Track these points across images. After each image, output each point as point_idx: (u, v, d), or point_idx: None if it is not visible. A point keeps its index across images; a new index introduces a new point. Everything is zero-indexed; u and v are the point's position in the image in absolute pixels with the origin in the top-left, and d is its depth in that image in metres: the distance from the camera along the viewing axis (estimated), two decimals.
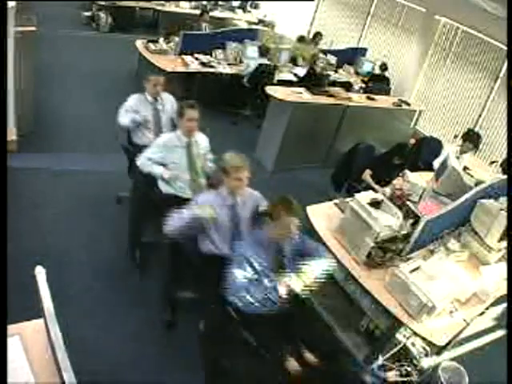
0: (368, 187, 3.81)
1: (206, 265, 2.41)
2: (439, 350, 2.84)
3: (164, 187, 2.90)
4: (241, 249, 2.22)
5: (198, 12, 7.93)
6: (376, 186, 3.85)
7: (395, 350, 3.06)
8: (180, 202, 2.53)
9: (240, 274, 2.13)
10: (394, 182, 3.86)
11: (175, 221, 2.33)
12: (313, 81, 5.64)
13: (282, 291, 2.20)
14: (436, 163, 4.63)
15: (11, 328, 1.49)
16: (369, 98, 5.80)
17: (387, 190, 3.56)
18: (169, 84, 3.05)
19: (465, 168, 4.43)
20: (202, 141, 3.05)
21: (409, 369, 2.91)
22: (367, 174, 4.01)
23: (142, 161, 2.87)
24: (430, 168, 4.60)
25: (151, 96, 3.26)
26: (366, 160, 4.23)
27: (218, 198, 2.48)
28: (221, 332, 2.21)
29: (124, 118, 3.21)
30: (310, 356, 2.13)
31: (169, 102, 3.39)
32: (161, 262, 2.91)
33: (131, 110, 3.24)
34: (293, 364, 2.06)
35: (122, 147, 3.33)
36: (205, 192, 2.61)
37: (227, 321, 2.18)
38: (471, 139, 4.69)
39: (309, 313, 2.38)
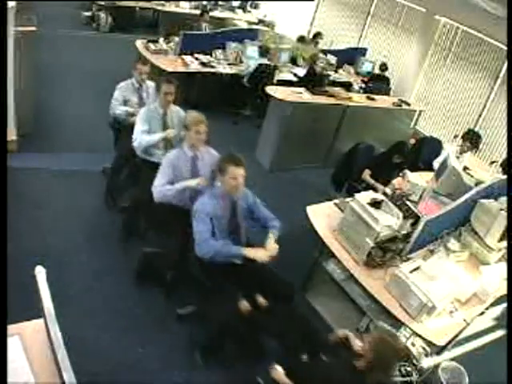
0: (368, 187, 3.81)
1: (169, 217, 2.73)
2: (439, 350, 2.84)
3: (143, 155, 3.25)
4: (200, 205, 2.44)
5: (198, 12, 7.93)
6: (377, 185, 3.85)
7: None
8: (157, 167, 2.85)
9: (200, 228, 2.36)
10: (394, 181, 3.87)
11: (165, 191, 2.68)
12: (313, 81, 5.64)
13: (238, 245, 2.46)
14: (436, 163, 4.63)
15: (11, 328, 1.49)
16: (369, 98, 5.80)
17: (387, 190, 3.56)
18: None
19: (465, 168, 4.43)
20: (176, 112, 3.32)
21: (409, 369, 2.91)
22: (367, 174, 4.02)
23: (137, 137, 3.14)
24: (430, 168, 4.60)
25: (137, 83, 3.58)
26: (365, 160, 4.23)
27: (180, 152, 2.85)
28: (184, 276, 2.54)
29: (118, 111, 3.52)
30: (261, 299, 2.39)
31: (151, 88, 3.71)
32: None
33: (122, 100, 3.53)
34: (245, 305, 2.31)
35: (110, 125, 3.77)
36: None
37: (189, 267, 2.50)
38: (471, 139, 4.69)
39: (262, 264, 2.53)
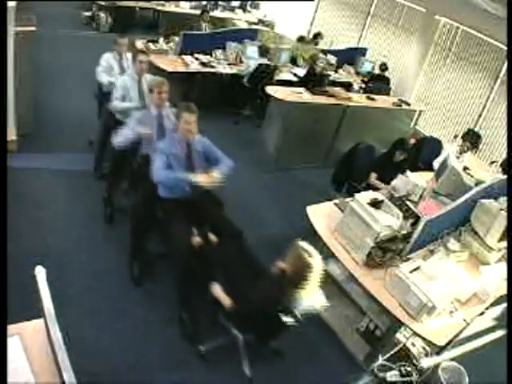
0: (369, 187, 3.81)
1: (140, 164, 3.21)
2: (439, 350, 2.84)
3: (120, 116, 3.64)
4: (161, 145, 2.86)
5: (198, 12, 7.93)
6: (384, 186, 3.83)
7: (395, 349, 3.06)
8: None
9: (160, 163, 2.76)
10: (394, 182, 3.87)
11: (123, 136, 3.14)
12: (313, 81, 5.64)
13: (192, 181, 2.79)
14: (436, 163, 4.63)
15: (11, 328, 1.49)
16: (369, 97, 5.79)
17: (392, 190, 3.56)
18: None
19: (465, 168, 4.43)
20: (150, 79, 3.66)
21: (409, 369, 2.91)
22: (373, 177, 3.97)
23: (113, 101, 3.59)
24: (430, 168, 4.61)
25: (118, 54, 4.06)
26: (366, 160, 4.23)
27: (147, 112, 3.26)
28: (144, 212, 3.03)
29: (103, 78, 3.94)
30: (212, 236, 2.79)
31: (129, 59, 4.12)
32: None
33: (106, 68, 3.99)
34: (196, 240, 2.69)
35: (95, 95, 4.20)
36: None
37: (150, 204, 2.94)
38: (471, 139, 4.70)
39: (214, 202, 2.99)
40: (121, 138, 3.14)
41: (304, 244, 2.33)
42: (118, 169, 3.57)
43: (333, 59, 7.28)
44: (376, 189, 3.66)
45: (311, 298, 2.33)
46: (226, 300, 2.35)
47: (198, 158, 2.94)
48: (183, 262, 2.64)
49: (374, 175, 3.99)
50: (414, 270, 2.66)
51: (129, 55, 4.06)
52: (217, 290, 2.39)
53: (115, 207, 3.64)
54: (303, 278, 2.20)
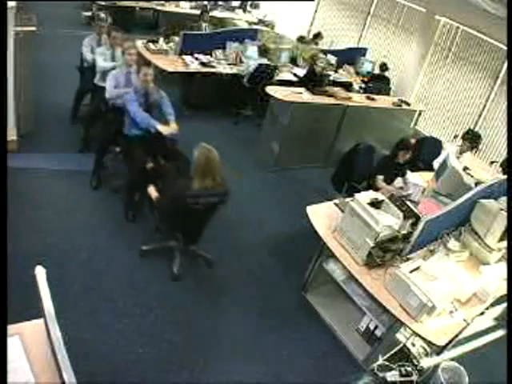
0: (370, 188, 3.80)
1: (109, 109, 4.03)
2: (439, 350, 2.84)
3: (100, 83, 4.40)
4: (130, 95, 3.58)
5: (198, 12, 7.93)
6: (391, 188, 3.81)
7: (395, 350, 3.06)
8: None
9: (136, 108, 3.50)
10: (394, 182, 3.87)
11: (111, 92, 3.90)
12: (313, 81, 5.64)
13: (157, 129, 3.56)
14: (436, 163, 4.63)
15: (11, 328, 1.49)
16: (369, 98, 5.79)
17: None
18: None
19: (465, 168, 4.43)
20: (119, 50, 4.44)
21: (409, 369, 2.91)
22: (380, 180, 3.93)
23: (97, 62, 4.38)
24: (430, 168, 4.60)
25: (97, 35, 4.71)
26: (366, 160, 4.23)
27: (120, 70, 4.01)
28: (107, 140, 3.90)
29: (87, 55, 4.59)
30: (162, 161, 3.58)
31: (105, 38, 4.73)
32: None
33: (89, 47, 4.62)
34: (149, 164, 3.44)
35: (77, 68, 4.87)
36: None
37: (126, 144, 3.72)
38: (471, 139, 4.69)
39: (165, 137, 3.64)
40: (110, 93, 3.94)
41: (205, 144, 2.94)
42: (93, 114, 4.41)
43: (333, 59, 7.28)
44: (377, 190, 3.66)
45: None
46: (153, 193, 3.11)
47: (153, 104, 3.71)
48: (137, 182, 3.47)
49: (380, 178, 3.94)
50: (414, 270, 2.66)
51: (104, 36, 4.74)
52: (151, 188, 3.14)
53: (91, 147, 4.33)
54: (207, 169, 2.88)
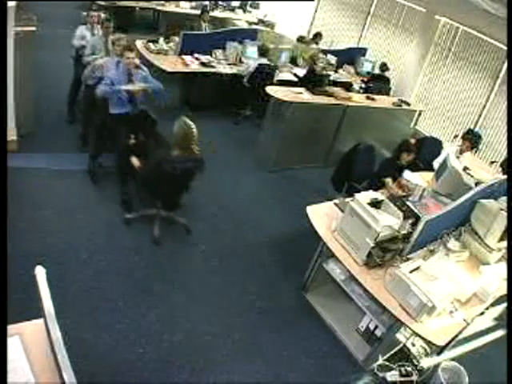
0: (369, 187, 3.80)
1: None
2: (439, 350, 2.84)
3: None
4: (111, 73, 3.85)
5: (198, 12, 7.92)
6: (399, 191, 3.80)
7: (395, 350, 3.06)
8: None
9: (102, 84, 3.79)
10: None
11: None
12: (313, 81, 5.64)
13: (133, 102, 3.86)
14: (436, 163, 4.63)
15: (11, 328, 1.49)
16: (369, 97, 5.79)
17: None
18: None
19: (465, 168, 4.43)
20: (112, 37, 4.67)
21: (409, 369, 2.91)
22: (390, 183, 3.88)
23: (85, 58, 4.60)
24: (430, 168, 4.60)
25: (90, 24, 4.93)
26: (366, 160, 4.23)
27: (110, 58, 4.26)
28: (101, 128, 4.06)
29: (76, 42, 4.86)
30: (142, 137, 3.82)
31: (97, 28, 4.96)
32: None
33: (80, 36, 4.86)
34: (132, 141, 3.72)
35: (72, 57, 4.98)
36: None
37: (105, 120, 3.96)
38: (471, 139, 4.69)
39: (146, 116, 3.97)
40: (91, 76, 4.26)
41: (184, 118, 3.23)
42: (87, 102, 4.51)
43: (333, 59, 7.28)
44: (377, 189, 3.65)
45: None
46: (136, 162, 3.39)
47: (136, 81, 3.94)
48: (122, 155, 3.65)
49: (389, 180, 3.89)
50: (414, 270, 2.66)
51: (97, 25, 4.95)
52: (133, 159, 3.43)
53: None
54: (185, 140, 3.19)
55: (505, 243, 3.19)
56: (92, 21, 4.96)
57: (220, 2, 9.82)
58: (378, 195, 3.03)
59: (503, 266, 3.13)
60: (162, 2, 8.80)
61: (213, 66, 5.84)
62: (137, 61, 4.00)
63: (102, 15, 5.29)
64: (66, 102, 4.94)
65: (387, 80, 7.26)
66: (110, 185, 4.01)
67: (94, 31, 4.92)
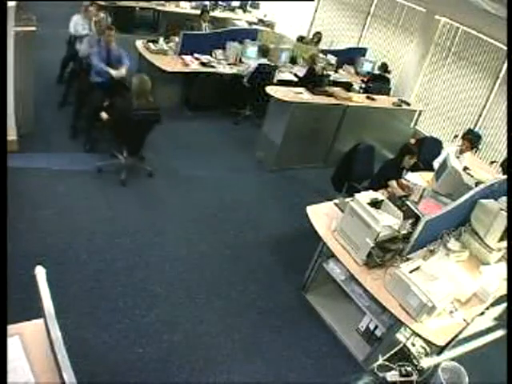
0: (369, 187, 3.80)
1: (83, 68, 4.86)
2: (439, 350, 2.84)
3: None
4: (95, 49, 4.56)
5: (198, 12, 7.92)
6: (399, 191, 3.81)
7: (395, 350, 3.06)
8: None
9: (97, 59, 4.51)
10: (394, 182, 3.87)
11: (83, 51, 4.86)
12: (313, 81, 5.64)
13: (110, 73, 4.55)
14: (436, 163, 4.63)
15: (11, 328, 1.49)
16: (369, 97, 5.79)
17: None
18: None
19: (465, 168, 4.43)
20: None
21: (409, 369, 2.91)
22: (395, 185, 3.88)
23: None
24: (430, 168, 4.61)
25: (84, 15, 5.45)
26: (366, 160, 4.23)
27: (92, 38, 4.88)
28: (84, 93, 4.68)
29: (71, 30, 5.39)
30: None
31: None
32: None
33: (74, 25, 5.39)
34: (106, 103, 4.25)
35: (66, 41, 5.57)
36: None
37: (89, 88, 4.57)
38: (471, 139, 4.69)
39: (123, 86, 4.54)
40: (83, 51, 4.89)
41: (141, 74, 3.96)
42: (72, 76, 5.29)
43: (333, 59, 7.28)
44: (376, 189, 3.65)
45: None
46: (104, 115, 4.03)
47: (113, 57, 4.62)
48: (95, 112, 4.19)
49: (394, 183, 3.87)
50: (414, 270, 2.66)
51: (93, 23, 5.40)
52: (102, 113, 4.05)
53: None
54: (141, 91, 3.85)
55: (505, 243, 3.20)
56: (90, 16, 5.42)
57: (220, 2, 9.82)
58: (378, 195, 3.03)
59: (503, 266, 3.13)
60: (162, 2, 8.80)
61: (213, 66, 5.84)
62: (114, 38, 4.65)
63: (102, 15, 5.67)
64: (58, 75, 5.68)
65: (387, 80, 7.27)
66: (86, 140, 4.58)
67: (91, 27, 5.35)
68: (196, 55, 5.93)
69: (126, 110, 3.81)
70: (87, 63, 4.70)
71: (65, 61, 5.61)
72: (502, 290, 2.94)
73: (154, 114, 3.92)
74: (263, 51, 6.31)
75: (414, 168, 4.22)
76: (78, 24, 5.37)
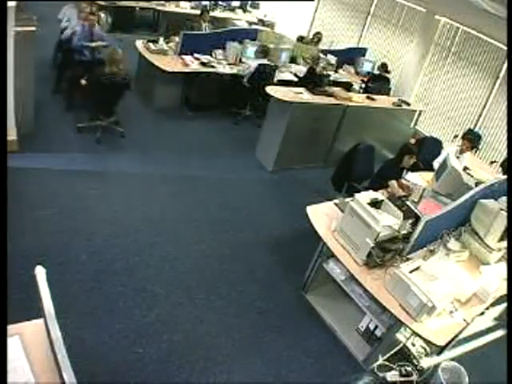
0: (369, 187, 3.80)
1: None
2: (439, 350, 2.84)
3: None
4: (78, 29, 5.12)
5: (198, 12, 7.92)
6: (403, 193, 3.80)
7: (395, 350, 3.06)
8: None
9: (76, 38, 5.11)
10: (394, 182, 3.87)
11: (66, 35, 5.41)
12: (313, 81, 5.64)
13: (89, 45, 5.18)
14: (436, 163, 4.63)
15: (11, 328, 1.49)
16: (369, 97, 5.79)
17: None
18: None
19: (465, 168, 4.43)
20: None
21: (409, 369, 2.91)
22: (396, 185, 3.86)
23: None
24: (430, 168, 4.61)
25: (77, 8, 5.65)
26: (366, 160, 4.23)
27: (78, 23, 5.31)
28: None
29: (63, 24, 5.62)
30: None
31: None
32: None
33: (66, 17, 5.65)
34: (83, 80, 4.65)
35: (60, 30, 5.68)
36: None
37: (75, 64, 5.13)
38: (471, 139, 4.69)
39: (100, 62, 4.85)
40: (65, 35, 5.38)
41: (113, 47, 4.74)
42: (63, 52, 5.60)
43: (333, 59, 7.28)
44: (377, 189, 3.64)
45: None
46: (83, 81, 4.59)
47: (96, 37, 5.18)
48: (76, 80, 4.70)
49: (394, 183, 3.85)
50: (414, 270, 2.66)
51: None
52: (82, 80, 4.57)
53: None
54: (112, 60, 4.45)
55: (505, 243, 3.20)
56: (83, 17, 5.47)
57: (220, 2, 9.81)
58: (378, 195, 3.03)
59: (503, 266, 3.13)
60: (162, 2, 8.80)
61: (213, 66, 5.84)
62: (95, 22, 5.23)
63: (92, 17, 5.62)
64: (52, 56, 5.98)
65: (387, 80, 7.27)
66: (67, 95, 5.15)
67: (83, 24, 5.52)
68: (196, 55, 5.93)
69: (99, 75, 4.46)
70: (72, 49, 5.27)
71: (58, 45, 5.85)
72: (502, 290, 2.94)
73: (123, 80, 4.55)
74: (263, 51, 6.31)
75: (414, 168, 4.23)
76: (65, 15, 5.76)
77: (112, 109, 4.79)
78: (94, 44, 5.13)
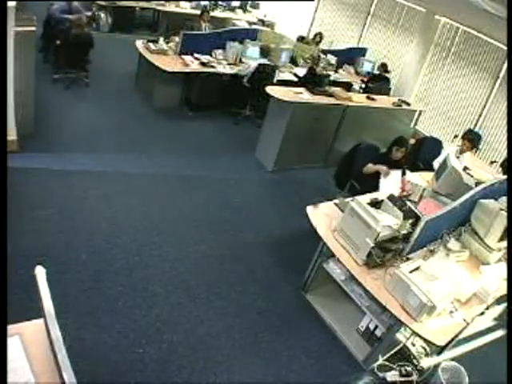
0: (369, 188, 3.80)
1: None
2: (439, 350, 2.84)
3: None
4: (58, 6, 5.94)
5: (198, 12, 7.92)
6: (381, 167, 3.82)
7: (395, 350, 3.06)
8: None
9: (57, 12, 5.90)
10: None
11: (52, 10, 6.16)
12: (313, 81, 5.64)
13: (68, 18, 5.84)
14: (436, 163, 4.63)
15: (11, 328, 1.49)
16: (369, 97, 5.79)
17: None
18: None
19: (465, 168, 4.43)
20: None
21: (409, 369, 2.91)
22: (371, 167, 3.91)
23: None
24: (430, 168, 4.60)
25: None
26: (367, 160, 4.22)
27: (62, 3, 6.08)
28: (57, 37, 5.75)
29: (56, 13, 6.01)
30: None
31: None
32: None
33: (60, 8, 6.00)
34: (58, 40, 5.59)
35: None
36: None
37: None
38: (471, 139, 4.69)
39: (87, 38, 5.65)
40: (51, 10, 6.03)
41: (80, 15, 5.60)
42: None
43: (333, 59, 7.28)
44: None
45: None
46: (58, 41, 5.38)
47: (74, 10, 5.90)
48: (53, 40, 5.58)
49: (371, 165, 3.91)
50: (414, 270, 2.66)
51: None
52: (57, 41, 5.43)
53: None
54: (78, 24, 5.49)
55: (505, 243, 3.20)
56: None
57: (220, 2, 9.82)
58: (378, 195, 3.03)
59: (503, 266, 3.13)
60: (162, 2, 8.81)
61: (213, 66, 5.84)
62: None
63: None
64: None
65: (387, 80, 7.27)
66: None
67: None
68: (196, 55, 5.93)
69: (68, 35, 5.42)
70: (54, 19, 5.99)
71: (46, 23, 6.26)
72: (502, 290, 2.94)
73: (86, 39, 5.57)
74: (263, 51, 6.30)
75: (414, 168, 4.23)
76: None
77: (80, 62, 5.72)
78: (71, 16, 5.86)
